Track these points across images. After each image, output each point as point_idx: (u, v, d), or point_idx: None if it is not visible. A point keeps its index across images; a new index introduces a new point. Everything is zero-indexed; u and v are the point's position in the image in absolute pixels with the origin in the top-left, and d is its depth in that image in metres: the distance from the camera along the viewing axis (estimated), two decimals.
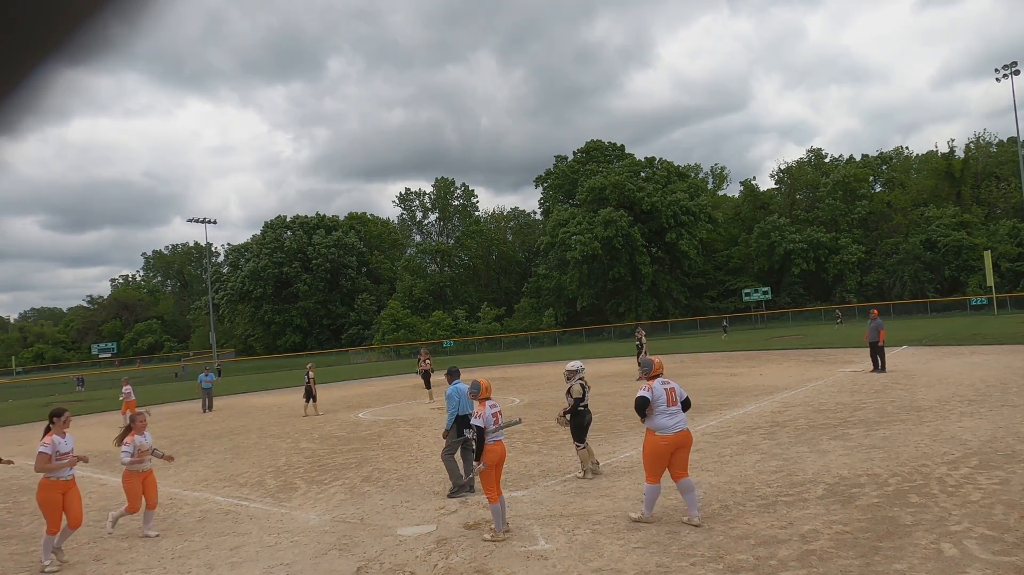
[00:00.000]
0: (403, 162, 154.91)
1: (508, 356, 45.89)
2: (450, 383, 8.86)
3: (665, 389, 6.61)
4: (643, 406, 6.56)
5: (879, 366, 17.67)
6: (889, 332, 18.65)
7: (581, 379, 9.08)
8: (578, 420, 8.86)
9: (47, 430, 6.96)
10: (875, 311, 18.82)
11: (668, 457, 6.53)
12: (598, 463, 9.11)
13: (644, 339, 21.98)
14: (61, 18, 0.63)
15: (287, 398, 25.94)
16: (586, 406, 8.95)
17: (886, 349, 18.39)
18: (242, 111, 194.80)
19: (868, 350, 18.33)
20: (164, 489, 10.12)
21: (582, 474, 8.86)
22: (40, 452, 6.75)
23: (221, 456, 13.37)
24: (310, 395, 19.46)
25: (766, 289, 61.86)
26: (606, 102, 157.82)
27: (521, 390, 21.11)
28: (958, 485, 7.00)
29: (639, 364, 21.14)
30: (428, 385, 20.86)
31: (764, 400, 14.59)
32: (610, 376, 24.04)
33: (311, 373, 19.90)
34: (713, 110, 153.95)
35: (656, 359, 7.03)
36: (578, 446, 8.91)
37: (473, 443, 6.74)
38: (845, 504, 6.69)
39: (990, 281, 44.23)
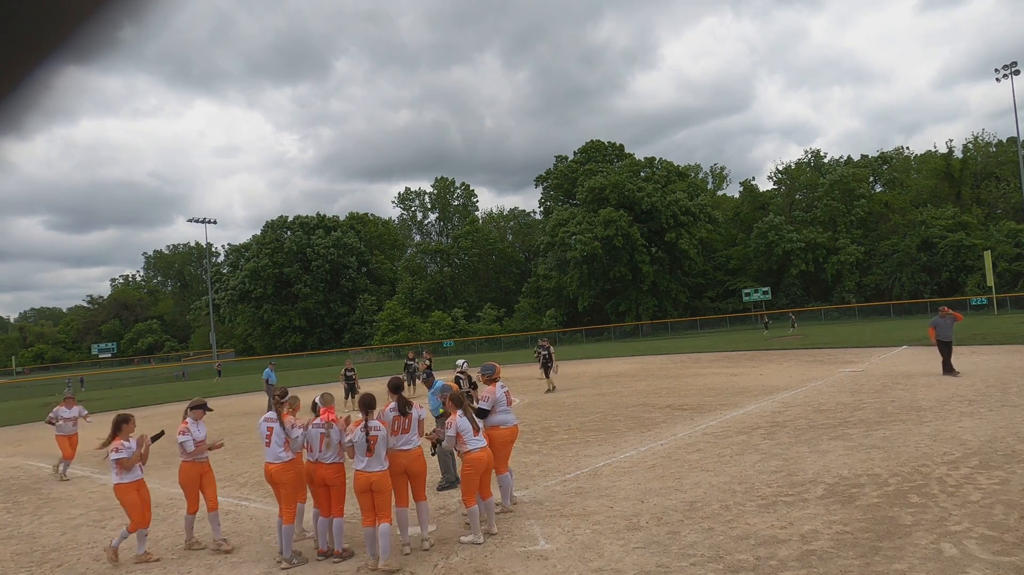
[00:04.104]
0: (407, 162, 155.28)
1: (508, 356, 45.87)
2: (430, 385, 9.16)
3: (504, 392, 7.77)
4: (484, 415, 7.47)
5: (949, 367, 15.99)
6: (889, 332, 18.37)
7: (457, 374, 10.93)
8: None
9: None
10: (946, 308, 16.49)
11: (510, 446, 7.69)
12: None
13: (552, 350, 20.62)
14: (64, 15, 0.63)
15: None
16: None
17: (892, 350, 17.73)
18: (248, 112, 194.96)
19: (938, 349, 16.27)
20: (164, 489, 10.12)
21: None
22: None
23: (221, 456, 13.32)
24: (352, 392, 19.79)
25: (766, 289, 61.82)
26: (610, 103, 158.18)
27: (521, 390, 21.09)
28: (958, 485, 7.00)
29: (545, 376, 20.67)
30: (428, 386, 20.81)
31: (764, 400, 14.59)
32: (610, 376, 24.07)
33: (353, 371, 20.31)
34: (716, 111, 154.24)
35: (497, 364, 8.10)
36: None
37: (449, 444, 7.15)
38: (845, 504, 6.69)
39: (990, 281, 44.15)
